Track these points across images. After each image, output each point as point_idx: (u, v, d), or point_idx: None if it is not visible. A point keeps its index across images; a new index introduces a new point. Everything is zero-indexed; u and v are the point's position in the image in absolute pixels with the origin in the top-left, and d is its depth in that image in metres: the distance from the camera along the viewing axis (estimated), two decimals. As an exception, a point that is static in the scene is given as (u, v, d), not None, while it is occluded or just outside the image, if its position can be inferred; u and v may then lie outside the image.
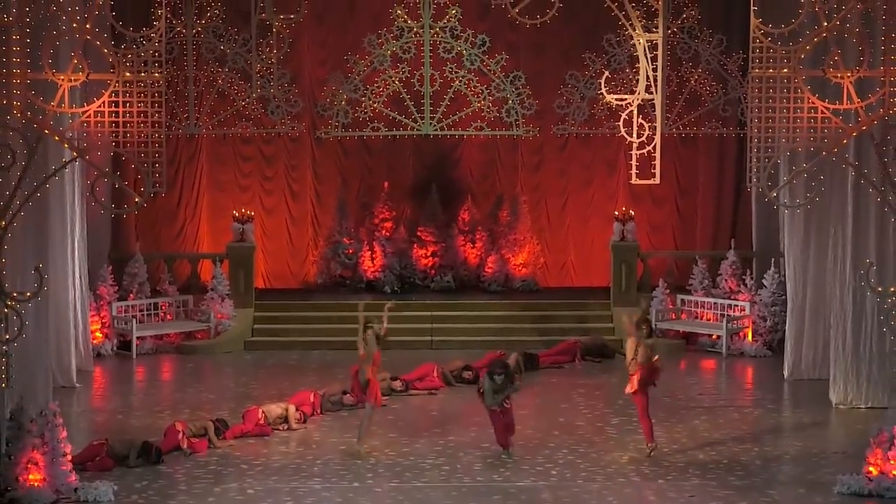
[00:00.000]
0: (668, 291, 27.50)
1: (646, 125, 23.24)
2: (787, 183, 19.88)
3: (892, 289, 17.69)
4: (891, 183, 17.46)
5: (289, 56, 26.22)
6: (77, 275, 23.86)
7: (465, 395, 22.61)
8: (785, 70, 17.74)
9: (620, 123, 23.67)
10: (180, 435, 19.20)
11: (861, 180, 18.94)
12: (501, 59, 21.32)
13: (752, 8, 18.02)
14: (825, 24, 17.56)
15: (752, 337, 26.34)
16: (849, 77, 17.65)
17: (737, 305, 26.71)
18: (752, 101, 18.23)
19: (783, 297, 25.54)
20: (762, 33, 17.81)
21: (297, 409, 20.69)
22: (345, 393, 21.56)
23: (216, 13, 24.90)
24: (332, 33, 29.51)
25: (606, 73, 24.65)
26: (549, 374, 24.40)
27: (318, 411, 21.43)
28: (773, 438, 20.18)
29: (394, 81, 21.41)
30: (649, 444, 19.00)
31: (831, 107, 17.70)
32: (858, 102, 17.63)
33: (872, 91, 17.79)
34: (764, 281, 26.68)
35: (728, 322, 26.22)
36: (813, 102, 17.69)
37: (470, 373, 23.47)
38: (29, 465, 16.74)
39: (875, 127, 17.86)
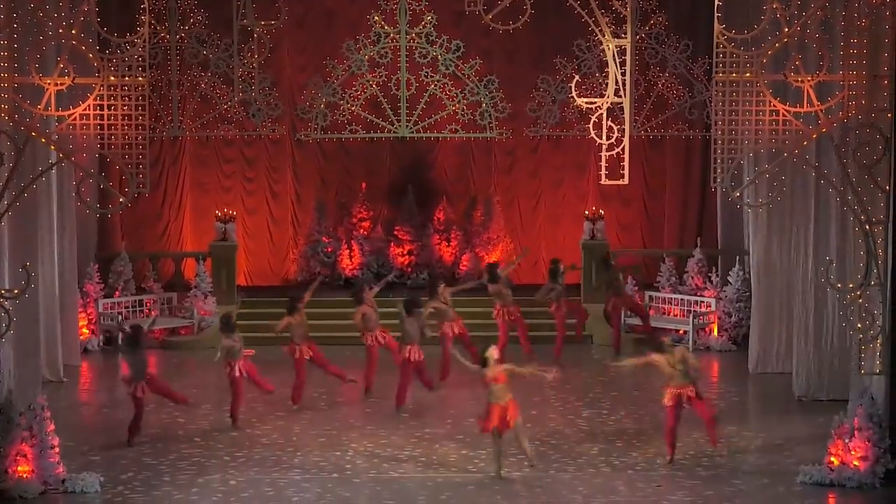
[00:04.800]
0: (636, 288, 27.76)
1: (615, 128, 23.65)
2: (750, 183, 20.16)
3: (851, 285, 17.99)
4: (850, 183, 17.72)
5: (269, 61, 26.32)
6: (65, 272, 24.13)
7: (439, 389, 22.95)
8: (748, 74, 17.96)
9: (590, 126, 24.08)
10: None
11: (821, 181, 19.17)
12: (475, 63, 21.69)
13: (715, 14, 18.21)
14: (786, 30, 17.84)
15: (718, 332, 26.66)
16: (809, 81, 17.95)
17: (703, 302, 27.03)
18: (716, 104, 18.40)
19: (747, 293, 25.89)
20: (726, 39, 18.03)
21: None
22: None
23: (199, 19, 24.95)
24: (311, 39, 29.80)
25: (577, 78, 24.79)
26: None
27: None
28: (737, 430, 20.37)
29: (371, 85, 21.75)
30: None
31: (792, 110, 17.98)
32: (818, 105, 17.91)
33: (832, 95, 18.07)
34: (729, 278, 26.99)
35: (694, 318, 26.57)
36: (774, 105, 17.95)
37: None
38: (18, 458, 17.01)
39: (834, 129, 18.08)
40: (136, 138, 17.73)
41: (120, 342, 20.20)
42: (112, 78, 17.62)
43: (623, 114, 23.32)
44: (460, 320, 23.82)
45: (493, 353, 18.30)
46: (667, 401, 18.66)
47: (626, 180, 23.70)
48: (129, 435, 19.65)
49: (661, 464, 18.60)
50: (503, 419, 17.86)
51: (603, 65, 24.39)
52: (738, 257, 27.09)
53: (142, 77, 17.78)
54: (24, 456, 17.07)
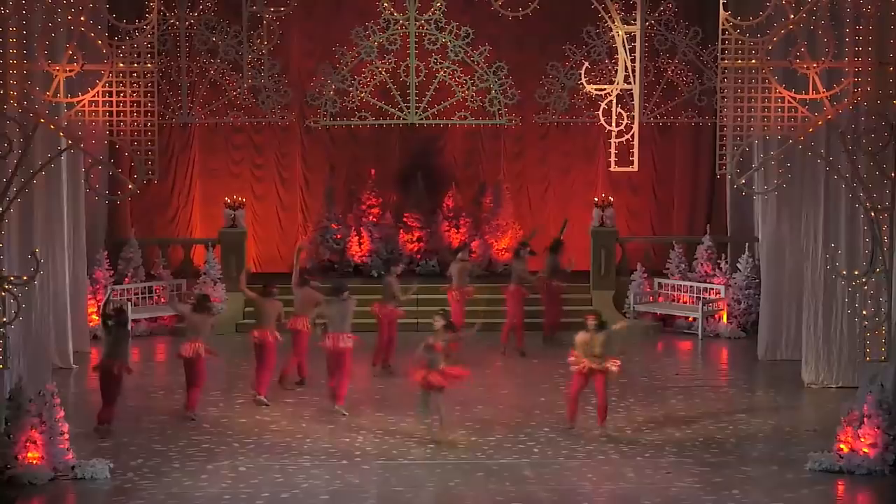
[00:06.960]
0: (645, 275, 27.78)
1: (624, 114, 23.67)
2: (755, 170, 20.13)
3: (857, 272, 17.99)
4: (855, 170, 17.73)
5: (279, 48, 26.41)
6: (75, 259, 24.12)
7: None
8: (753, 61, 17.95)
9: (600, 113, 24.09)
10: None
11: (827, 167, 19.13)
12: (484, 50, 21.69)
13: (721, 1, 18.25)
14: (792, 16, 17.80)
15: (727, 319, 26.65)
16: (814, 68, 17.90)
17: (712, 289, 27.03)
18: (721, 91, 18.40)
19: (757, 280, 25.86)
20: (731, 25, 18.03)
21: None
22: None
23: (208, 6, 25.01)
24: (320, 26, 29.75)
25: (586, 64, 24.87)
26: (530, 356, 24.60)
27: None
28: (746, 417, 20.37)
29: (380, 72, 21.77)
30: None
31: (798, 96, 17.92)
32: (824, 92, 17.86)
33: (838, 82, 17.99)
34: (738, 265, 26.97)
35: (704, 305, 26.56)
36: (780, 92, 17.91)
37: None
38: (27, 444, 17.00)
39: (840, 116, 18.06)
40: (145, 125, 17.71)
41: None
42: (121, 65, 17.62)
43: (632, 100, 23.31)
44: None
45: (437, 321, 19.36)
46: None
47: (635, 167, 23.74)
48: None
49: (669, 450, 18.63)
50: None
51: (612, 51, 24.41)
52: (747, 244, 27.09)
53: (150, 64, 17.77)
54: (34, 442, 17.06)
